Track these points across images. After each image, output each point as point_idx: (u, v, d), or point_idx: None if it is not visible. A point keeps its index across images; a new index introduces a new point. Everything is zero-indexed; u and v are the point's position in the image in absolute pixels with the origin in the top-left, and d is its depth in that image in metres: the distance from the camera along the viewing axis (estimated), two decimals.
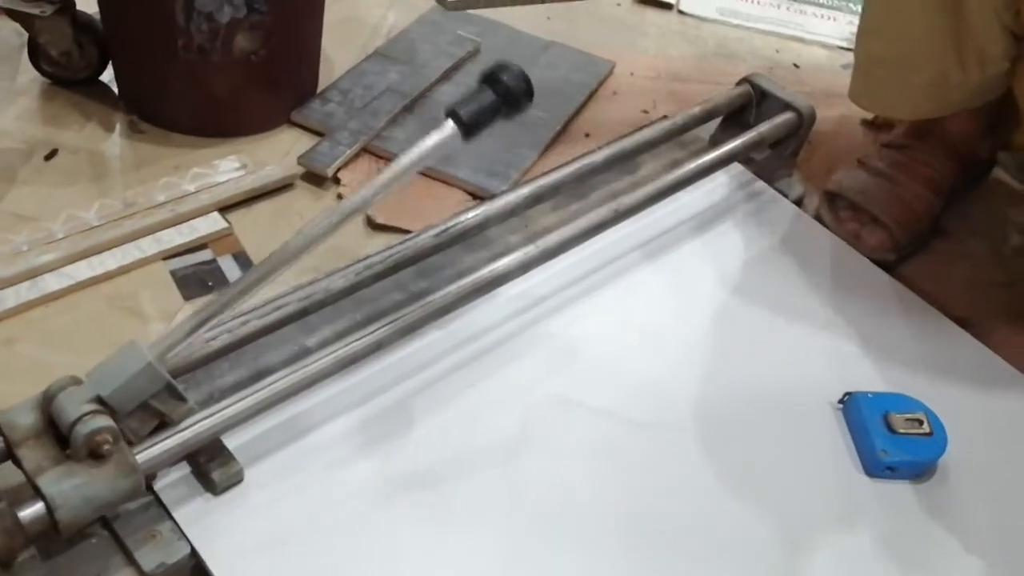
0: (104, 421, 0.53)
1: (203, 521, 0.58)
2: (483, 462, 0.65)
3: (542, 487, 0.64)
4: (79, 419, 0.52)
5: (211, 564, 0.56)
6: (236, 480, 0.60)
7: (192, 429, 0.57)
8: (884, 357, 0.77)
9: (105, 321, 0.72)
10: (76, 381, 0.55)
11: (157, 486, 0.59)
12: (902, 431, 0.68)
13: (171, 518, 0.58)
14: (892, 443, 0.68)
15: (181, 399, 0.57)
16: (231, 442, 0.61)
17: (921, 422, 0.69)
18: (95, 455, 0.53)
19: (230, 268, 0.78)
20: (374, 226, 0.84)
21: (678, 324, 0.77)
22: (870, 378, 0.74)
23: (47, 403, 0.54)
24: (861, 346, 0.78)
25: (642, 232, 0.84)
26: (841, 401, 0.72)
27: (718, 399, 0.72)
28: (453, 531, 0.61)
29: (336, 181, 0.88)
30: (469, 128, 0.59)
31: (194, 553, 0.57)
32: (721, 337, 0.77)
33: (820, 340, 0.77)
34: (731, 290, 0.80)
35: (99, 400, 0.53)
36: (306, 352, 0.67)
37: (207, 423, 0.57)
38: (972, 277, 0.91)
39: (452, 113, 0.59)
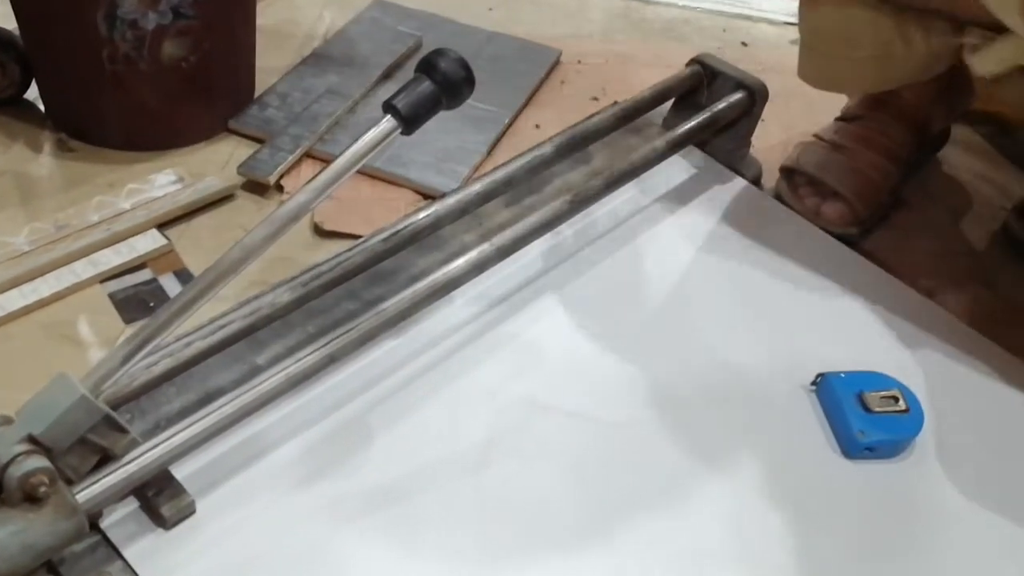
0: (38, 462, 0.49)
1: (155, 558, 0.54)
2: (451, 473, 0.62)
3: (514, 494, 0.61)
4: (11, 461, 0.49)
5: None
6: (188, 512, 0.56)
7: (137, 462, 0.53)
8: (854, 334, 0.75)
9: (41, 351, 0.68)
10: (7, 420, 0.51)
11: (104, 524, 0.55)
12: (878, 409, 0.67)
13: (121, 557, 0.54)
14: (869, 423, 0.66)
15: (122, 430, 0.53)
16: (180, 472, 0.57)
17: (897, 399, 0.67)
18: (31, 498, 0.49)
19: (172, 287, 0.74)
20: (321, 233, 0.81)
21: (642, 314, 0.75)
22: (841, 357, 0.72)
23: None
24: (830, 325, 0.76)
25: (600, 223, 0.81)
26: (814, 383, 0.70)
27: (688, 390, 0.69)
28: (424, 547, 0.58)
29: (279, 189, 0.84)
30: (409, 121, 0.56)
31: None
32: (687, 325, 0.74)
33: (788, 321, 0.76)
34: (694, 276, 0.78)
35: (31, 439, 0.50)
36: (256, 370, 0.64)
37: (152, 454, 0.54)
38: (935, 247, 0.90)
39: (389, 107, 0.56)
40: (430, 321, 0.70)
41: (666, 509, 0.62)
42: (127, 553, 0.54)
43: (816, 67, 0.87)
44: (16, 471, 0.49)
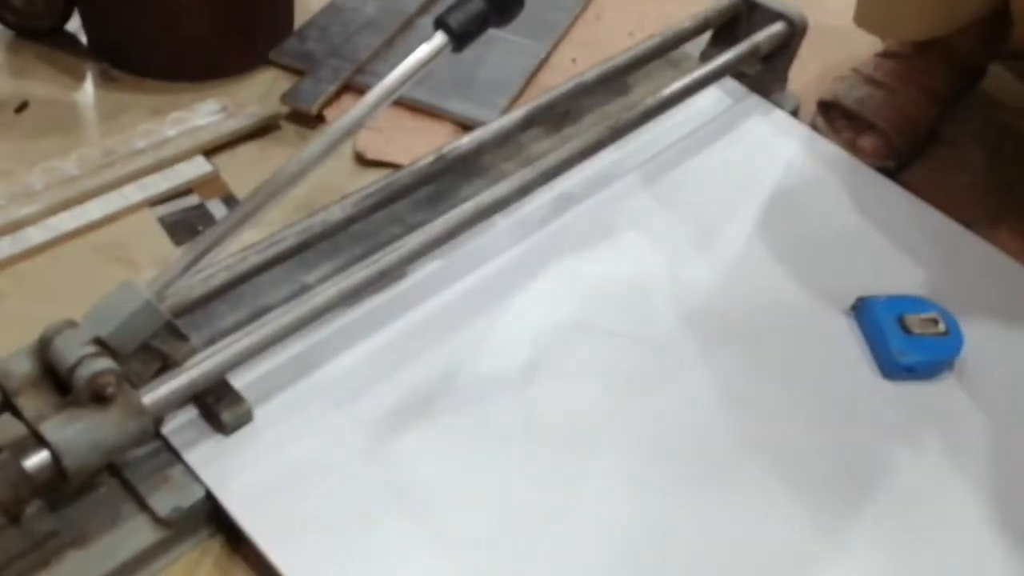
0: (106, 363, 0.50)
1: (216, 463, 0.56)
2: (497, 389, 0.63)
3: (559, 411, 0.62)
4: (79, 362, 0.50)
5: (228, 504, 0.54)
6: (246, 420, 0.58)
7: (199, 368, 0.55)
8: (893, 262, 0.76)
9: (95, 271, 0.69)
10: (72, 324, 0.53)
11: (165, 430, 0.57)
12: (918, 332, 0.67)
13: (182, 461, 0.56)
14: (909, 344, 0.67)
15: (182, 338, 0.55)
16: (237, 383, 0.59)
17: (936, 322, 0.68)
18: (99, 398, 0.50)
19: (219, 212, 0.75)
20: (363, 162, 0.82)
21: (682, 241, 0.75)
22: (880, 283, 0.73)
23: (43, 348, 0.52)
24: (870, 252, 0.76)
25: (638, 153, 0.82)
26: (854, 307, 0.71)
27: (729, 313, 0.70)
28: (470, 458, 0.59)
29: (321, 119, 0.85)
30: (460, 38, 0.57)
31: (209, 495, 0.55)
32: (727, 251, 0.75)
33: (827, 248, 0.76)
34: (734, 204, 0.79)
35: (98, 341, 0.51)
36: (305, 288, 0.65)
37: (214, 360, 0.55)
38: (971, 182, 0.90)
39: (441, 23, 0.57)
40: (475, 243, 0.71)
41: (705, 426, 0.63)
42: (188, 457, 0.56)
43: (878, 11, 0.86)
44: (84, 371, 0.50)
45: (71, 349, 0.51)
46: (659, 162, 0.81)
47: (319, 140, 0.56)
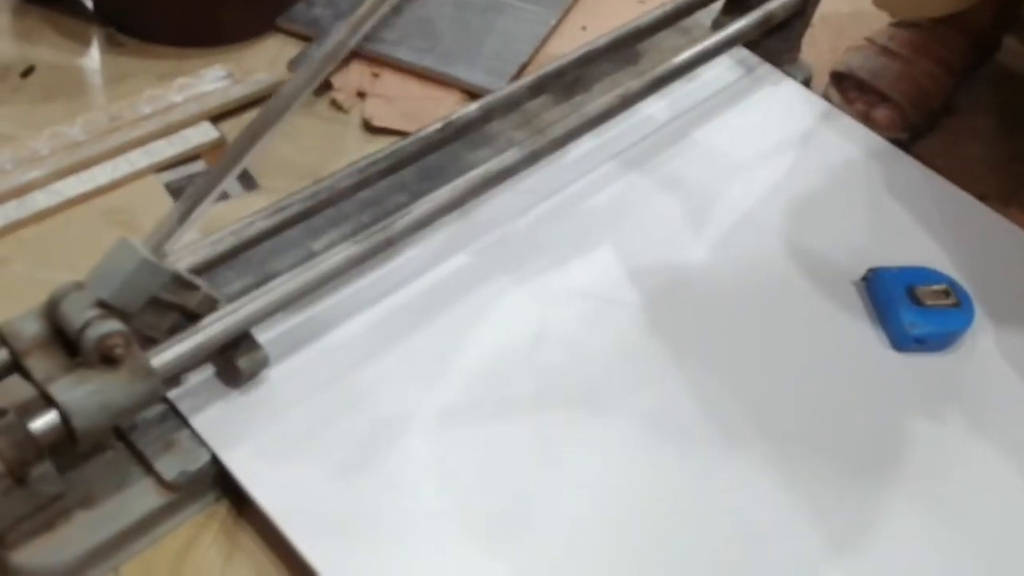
0: (113, 325, 0.50)
1: (222, 427, 0.56)
2: (506, 356, 0.63)
3: (567, 381, 0.62)
4: (87, 324, 0.50)
5: (234, 469, 0.54)
6: (263, 365, 0.58)
7: (209, 328, 0.54)
8: (905, 233, 0.75)
9: (101, 236, 0.69)
10: (80, 286, 0.52)
11: (172, 395, 0.57)
12: (929, 303, 0.67)
13: (188, 426, 0.56)
14: (920, 315, 0.66)
15: (192, 287, 0.54)
16: None
17: (948, 293, 0.68)
18: (108, 360, 0.50)
19: None
20: (371, 129, 0.81)
21: (691, 211, 0.75)
22: (891, 254, 0.72)
23: (52, 310, 0.51)
24: (881, 224, 0.76)
25: (649, 123, 0.81)
26: (864, 278, 0.70)
27: (738, 284, 0.70)
28: (479, 423, 0.59)
29: (328, 86, 0.84)
30: None
31: (215, 459, 0.55)
32: (737, 222, 0.74)
33: (839, 220, 0.76)
34: (744, 175, 0.78)
35: (103, 304, 0.51)
36: (312, 256, 0.65)
37: (228, 320, 0.55)
38: (985, 154, 0.89)
39: None
40: (483, 211, 0.70)
41: (714, 399, 0.63)
42: (194, 422, 0.56)
43: None
44: (93, 333, 0.50)
45: (78, 311, 0.50)
46: (669, 131, 0.80)
47: (305, 68, 0.54)
